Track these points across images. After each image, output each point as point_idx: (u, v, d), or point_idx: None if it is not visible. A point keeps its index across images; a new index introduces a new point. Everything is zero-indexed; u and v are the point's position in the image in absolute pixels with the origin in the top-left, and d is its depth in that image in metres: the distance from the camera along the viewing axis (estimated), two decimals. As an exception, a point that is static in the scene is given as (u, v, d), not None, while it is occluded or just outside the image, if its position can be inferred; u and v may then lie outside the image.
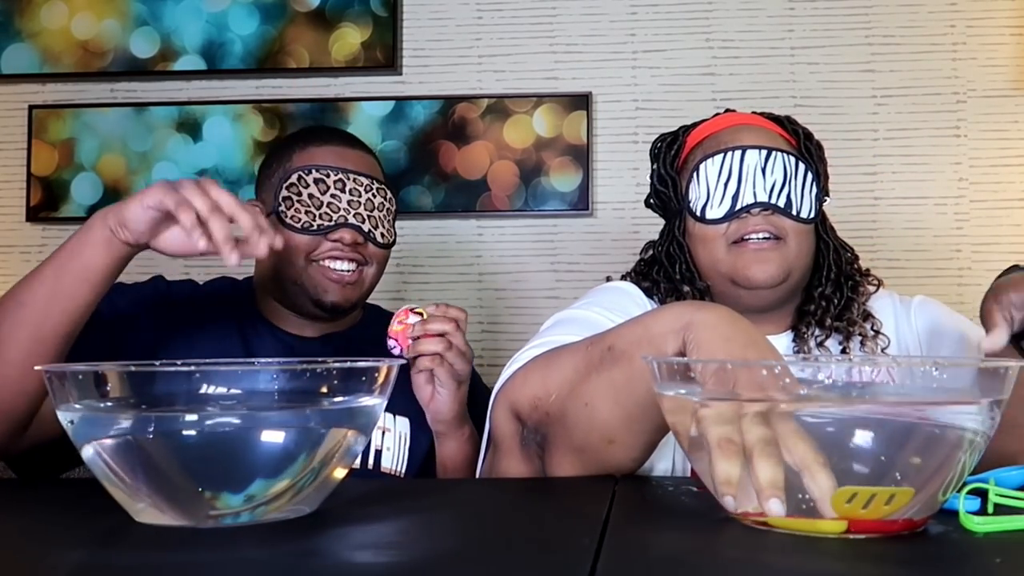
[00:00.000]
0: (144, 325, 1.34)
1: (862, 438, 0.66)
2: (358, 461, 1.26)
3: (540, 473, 0.97)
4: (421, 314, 1.30)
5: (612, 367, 0.90)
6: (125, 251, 1.16)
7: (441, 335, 1.28)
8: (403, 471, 1.38)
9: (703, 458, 0.70)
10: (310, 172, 1.37)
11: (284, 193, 1.36)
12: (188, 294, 1.43)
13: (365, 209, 1.38)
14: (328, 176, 1.37)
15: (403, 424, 1.39)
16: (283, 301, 1.42)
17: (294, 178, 1.36)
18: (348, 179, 1.37)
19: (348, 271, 1.37)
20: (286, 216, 1.36)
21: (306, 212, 1.36)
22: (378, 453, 1.36)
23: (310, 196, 1.36)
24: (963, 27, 2.15)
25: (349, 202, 1.37)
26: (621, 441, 0.91)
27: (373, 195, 1.39)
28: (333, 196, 1.36)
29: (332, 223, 1.36)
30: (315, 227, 1.36)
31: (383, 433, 1.37)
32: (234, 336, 1.40)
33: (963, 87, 2.15)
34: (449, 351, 1.27)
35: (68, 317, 1.11)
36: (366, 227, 1.37)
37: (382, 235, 1.40)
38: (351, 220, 1.36)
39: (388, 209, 1.42)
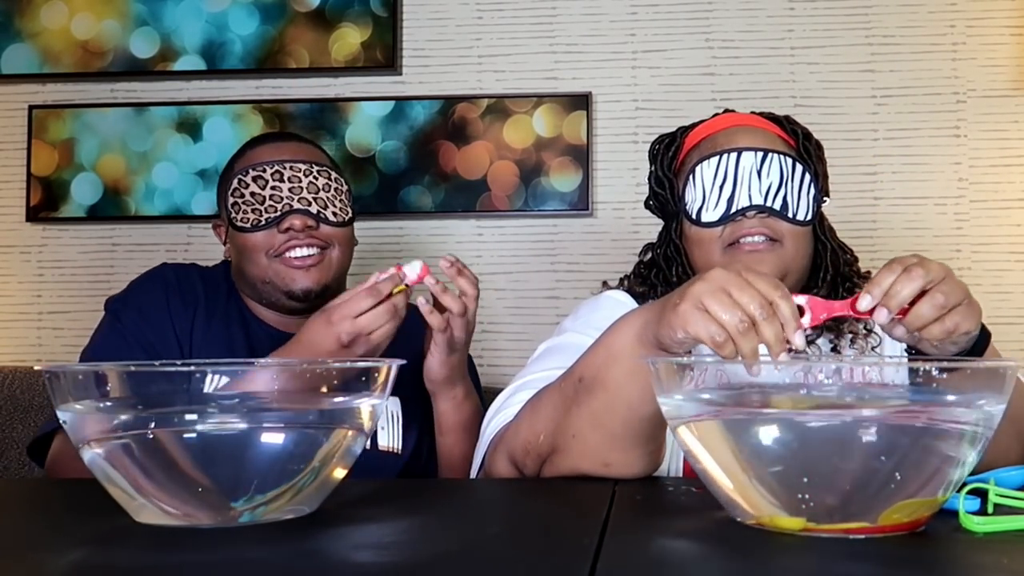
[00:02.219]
0: (158, 321, 1.37)
1: (863, 438, 0.66)
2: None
3: None
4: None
5: (588, 397, 0.93)
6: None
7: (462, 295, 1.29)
8: (399, 448, 1.39)
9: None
10: (247, 172, 1.40)
11: (231, 200, 1.40)
12: (195, 282, 1.45)
13: (309, 192, 1.40)
14: (264, 171, 1.40)
15: (394, 403, 1.42)
16: (260, 301, 1.45)
17: (235, 183, 1.40)
18: (285, 168, 1.40)
19: (308, 256, 1.40)
20: (236, 220, 1.40)
21: (252, 210, 1.39)
22: (373, 433, 1.37)
23: (252, 194, 1.39)
24: (963, 27, 2.15)
25: (291, 189, 1.39)
26: (616, 461, 0.93)
27: (315, 178, 1.41)
28: (273, 188, 1.39)
29: (278, 213, 1.39)
30: (263, 221, 1.39)
31: None
32: (238, 326, 1.42)
33: (963, 87, 2.15)
34: (462, 316, 1.27)
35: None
36: (314, 209, 1.40)
37: (334, 214, 1.41)
38: (296, 205, 1.39)
39: (336, 189, 1.43)
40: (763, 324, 0.80)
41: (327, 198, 1.41)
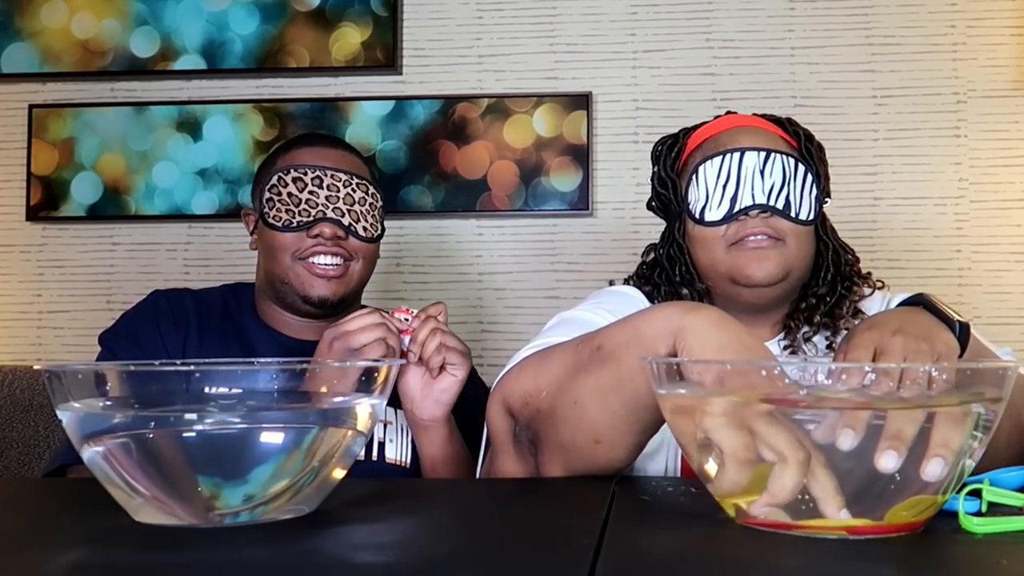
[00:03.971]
0: (151, 346, 1.37)
1: (862, 440, 0.66)
2: (362, 454, 1.26)
3: (534, 471, 0.97)
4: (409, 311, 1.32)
5: (601, 367, 0.90)
6: None
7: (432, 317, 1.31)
8: (408, 461, 1.39)
9: (700, 457, 0.70)
10: (289, 172, 1.40)
11: (267, 195, 1.40)
12: (187, 304, 1.45)
13: (344, 204, 1.40)
14: (306, 174, 1.40)
15: (403, 417, 1.41)
16: (277, 301, 1.45)
17: (275, 179, 1.40)
18: (326, 175, 1.40)
19: (332, 266, 1.40)
20: (269, 217, 1.40)
21: (286, 211, 1.39)
22: (381, 445, 1.38)
23: (289, 195, 1.39)
24: (963, 27, 2.15)
25: (328, 197, 1.39)
26: (607, 441, 0.91)
27: (353, 190, 1.41)
28: (311, 193, 1.39)
29: (311, 219, 1.39)
30: (295, 224, 1.39)
31: (385, 426, 1.39)
32: (235, 343, 1.42)
33: (963, 87, 2.15)
34: (445, 333, 1.29)
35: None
36: (346, 221, 1.40)
37: (364, 229, 1.41)
38: (330, 214, 1.39)
39: (371, 204, 1.43)
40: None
41: (361, 212, 1.41)
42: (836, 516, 0.65)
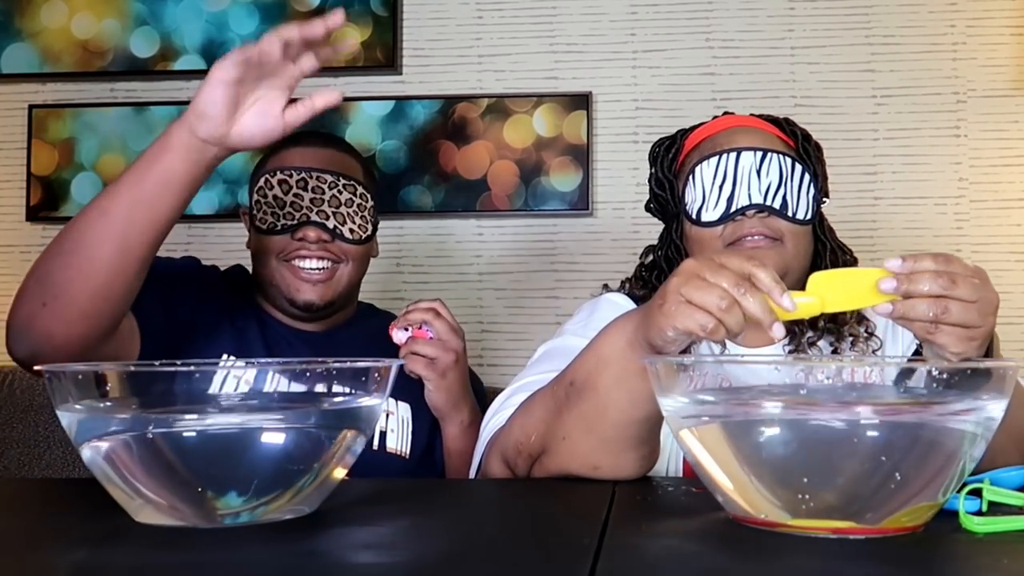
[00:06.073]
0: (181, 297, 1.36)
1: (863, 440, 0.66)
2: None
3: None
4: (406, 328, 1.37)
5: (579, 401, 0.93)
6: (205, 154, 1.09)
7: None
8: (408, 452, 1.41)
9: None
10: (275, 174, 1.39)
11: (255, 197, 1.40)
12: (215, 278, 1.47)
13: (330, 206, 1.38)
14: (291, 176, 1.38)
15: (404, 409, 1.43)
16: (267, 301, 1.46)
17: (261, 181, 1.40)
18: (311, 177, 1.38)
19: (318, 269, 1.39)
20: (256, 219, 1.40)
21: (272, 213, 1.38)
22: (383, 434, 1.39)
23: (275, 197, 1.38)
24: (963, 27, 2.15)
25: (312, 200, 1.38)
26: (605, 464, 0.94)
27: (339, 191, 1.39)
28: (296, 195, 1.38)
29: (295, 222, 1.38)
30: (279, 227, 1.38)
31: (387, 415, 1.41)
32: (254, 327, 1.43)
33: (963, 87, 2.15)
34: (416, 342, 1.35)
35: (153, 226, 1.10)
36: (331, 224, 1.38)
37: (351, 231, 1.40)
38: (314, 218, 1.38)
39: (360, 205, 1.41)
40: (743, 299, 0.79)
41: (347, 213, 1.39)
42: (784, 304, 0.79)
